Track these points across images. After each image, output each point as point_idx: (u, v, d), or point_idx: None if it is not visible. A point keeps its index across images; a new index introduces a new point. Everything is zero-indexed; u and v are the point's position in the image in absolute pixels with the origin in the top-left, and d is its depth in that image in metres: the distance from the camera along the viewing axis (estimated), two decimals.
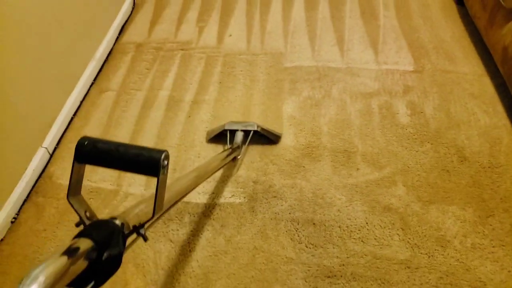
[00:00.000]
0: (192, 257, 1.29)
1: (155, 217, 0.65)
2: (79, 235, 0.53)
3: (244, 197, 1.42)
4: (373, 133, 1.56)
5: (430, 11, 2.03)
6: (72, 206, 0.61)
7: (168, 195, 0.72)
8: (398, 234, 1.28)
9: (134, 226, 0.62)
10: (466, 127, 1.54)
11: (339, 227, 1.32)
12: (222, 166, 1.37)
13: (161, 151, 0.60)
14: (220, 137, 1.58)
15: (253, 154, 1.53)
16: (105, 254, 0.52)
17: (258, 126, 1.53)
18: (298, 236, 1.30)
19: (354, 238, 1.28)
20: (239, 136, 1.51)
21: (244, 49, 1.97)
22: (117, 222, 0.58)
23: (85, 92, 1.84)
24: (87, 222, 0.60)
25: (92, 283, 0.51)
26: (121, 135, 1.66)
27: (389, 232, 1.29)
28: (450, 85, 1.68)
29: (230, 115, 1.68)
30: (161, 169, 0.60)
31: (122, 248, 0.56)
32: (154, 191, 0.62)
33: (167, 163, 0.61)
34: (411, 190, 1.38)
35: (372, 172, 1.45)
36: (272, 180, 1.45)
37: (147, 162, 0.60)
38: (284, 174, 1.47)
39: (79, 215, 0.60)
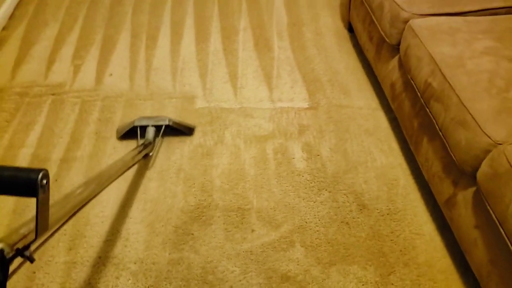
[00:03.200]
0: None
1: (42, 238, 0.64)
2: None
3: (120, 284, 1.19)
4: (269, 183, 1.42)
5: (324, 39, 1.96)
6: None
7: (60, 211, 0.72)
8: None
9: (18, 249, 0.59)
10: (363, 169, 1.46)
11: None
12: (133, 165, 1.29)
13: (38, 170, 0.57)
14: (131, 133, 1.52)
15: (135, 225, 1.31)
16: None
17: (170, 120, 1.50)
18: None
19: None
20: (150, 132, 1.46)
21: (126, 90, 1.74)
22: None
23: None
24: None
25: None
26: None
27: None
28: (346, 122, 1.60)
29: None
30: (40, 188, 0.57)
31: (2, 276, 0.53)
32: None
33: (47, 182, 0.59)
34: (310, 250, 1.26)
35: (268, 232, 1.30)
36: (154, 257, 1.24)
37: (23, 183, 0.57)
38: (169, 247, 1.27)
39: None
